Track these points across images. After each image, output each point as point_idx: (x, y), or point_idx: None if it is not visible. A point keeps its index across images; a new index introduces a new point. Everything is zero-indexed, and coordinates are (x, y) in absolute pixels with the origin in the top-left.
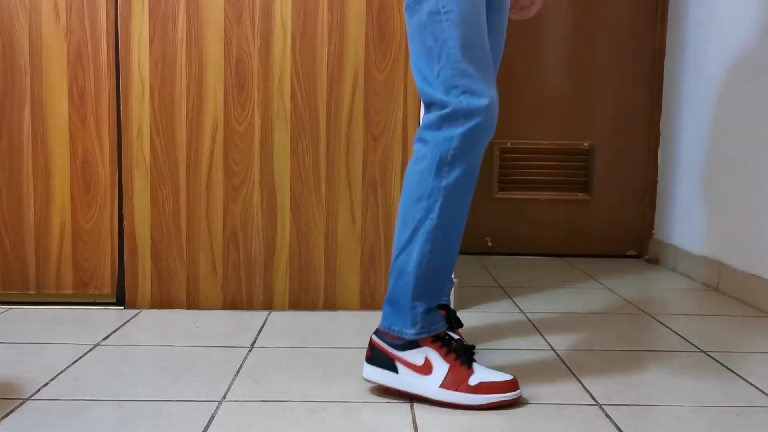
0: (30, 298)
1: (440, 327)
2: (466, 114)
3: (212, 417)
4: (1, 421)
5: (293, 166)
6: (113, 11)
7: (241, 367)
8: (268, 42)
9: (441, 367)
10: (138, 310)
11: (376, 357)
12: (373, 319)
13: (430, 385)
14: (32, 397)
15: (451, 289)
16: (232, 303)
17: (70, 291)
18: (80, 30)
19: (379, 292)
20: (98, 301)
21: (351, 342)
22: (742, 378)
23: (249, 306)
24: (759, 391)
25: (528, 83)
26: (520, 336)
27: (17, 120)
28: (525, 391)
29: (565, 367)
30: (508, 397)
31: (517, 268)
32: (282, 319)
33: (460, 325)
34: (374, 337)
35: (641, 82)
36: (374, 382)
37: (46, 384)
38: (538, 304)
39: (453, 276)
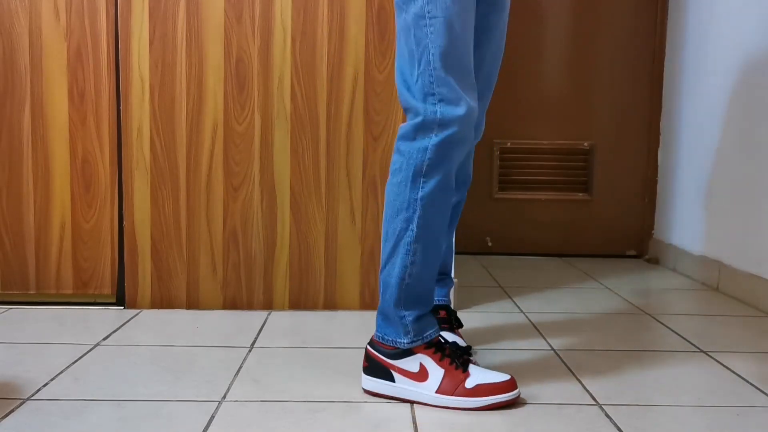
0: (30, 298)
1: (433, 333)
2: (441, 123)
3: (212, 417)
4: (1, 421)
5: (293, 166)
6: (113, 11)
7: (241, 367)
8: (268, 42)
9: (436, 372)
10: (138, 310)
11: (373, 367)
12: (373, 319)
13: (426, 392)
14: (32, 397)
15: (451, 289)
16: (232, 303)
17: (70, 291)
18: (80, 30)
19: (379, 292)
20: (98, 301)
21: (351, 342)
22: (742, 378)
23: (249, 306)
24: (759, 391)
25: (528, 83)
26: (520, 336)
27: (17, 120)
28: (525, 391)
29: (565, 367)
30: (506, 398)
31: (517, 268)
32: (282, 319)
33: (461, 325)
34: (369, 348)
35: (641, 82)
36: (373, 393)
37: (46, 384)
38: (538, 304)
39: (453, 276)
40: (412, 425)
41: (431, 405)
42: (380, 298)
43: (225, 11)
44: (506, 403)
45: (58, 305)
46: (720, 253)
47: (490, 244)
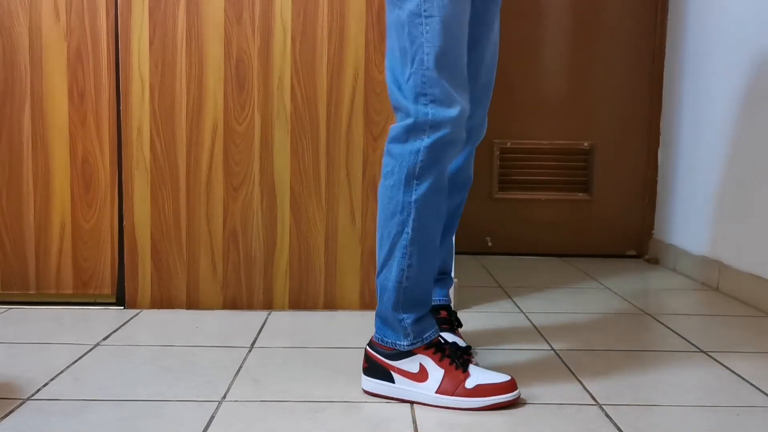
0: (30, 298)
1: (432, 334)
2: (432, 125)
3: (212, 417)
4: (1, 421)
5: (293, 166)
6: (113, 11)
7: (241, 367)
8: (268, 42)
9: (436, 373)
10: (138, 310)
11: (372, 368)
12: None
13: (426, 392)
14: (32, 397)
15: (450, 288)
16: (232, 303)
17: (70, 291)
18: (80, 30)
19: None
20: (98, 301)
21: (351, 342)
22: (742, 378)
23: (249, 306)
24: (759, 391)
25: (528, 83)
26: (520, 336)
27: (17, 120)
28: (525, 391)
29: (565, 367)
30: (506, 399)
31: (517, 268)
32: (282, 319)
33: (460, 324)
34: (368, 349)
35: (641, 82)
36: (373, 394)
37: (46, 384)
38: (538, 304)
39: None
40: (412, 425)
41: (431, 405)
42: (378, 302)
43: (225, 11)
44: (506, 403)
45: (58, 305)
46: (720, 253)
47: (490, 244)
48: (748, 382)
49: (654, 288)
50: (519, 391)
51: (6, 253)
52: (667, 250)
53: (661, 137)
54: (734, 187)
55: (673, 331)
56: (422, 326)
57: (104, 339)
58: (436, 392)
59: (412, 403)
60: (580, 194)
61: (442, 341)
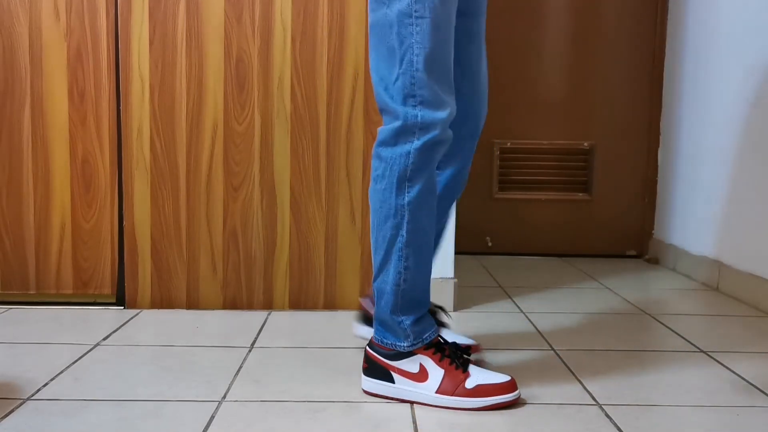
0: (30, 298)
1: (432, 334)
2: (422, 127)
3: (212, 417)
4: (1, 421)
5: (293, 166)
6: (113, 11)
7: (241, 367)
8: (268, 42)
9: (436, 373)
10: (138, 310)
11: (372, 368)
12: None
13: (426, 392)
14: (32, 397)
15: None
16: (232, 303)
17: (70, 291)
18: (80, 30)
19: None
20: (98, 301)
21: (351, 342)
22: (742, 378)
23: (249, 306)
24: (759, 391)
25: (528, 83)
26: (520, 336)
27: (17, 120)
28: (525, 391)
29: (565, 367)
30: (506, 399)
31: (517, 268)
32: (282, 319)
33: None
34: (368, 349)
35: (641, 82)
36: (373, 394)
37: (46, 384)
38: (538, 304)
39: (453, 276)
40: (412, 425)
41: (431, 405)
42: (375, 306)
43: (225, 11)
44: (507, 403)
45: (58, 305)
46: (720, 253)
47: (490, 244)
48: (748, 382)
49: (654, 288)
50: (519, 391)
51: (6, 253)
52: (667, 250)
53: (661, 137)
54: (734, 187)
55: (673, 331)
56: (422, 327)
57: (104, 339)
58: (436, 392)
59: (412, 403)
60: (580, 194)
61: (442, 341)
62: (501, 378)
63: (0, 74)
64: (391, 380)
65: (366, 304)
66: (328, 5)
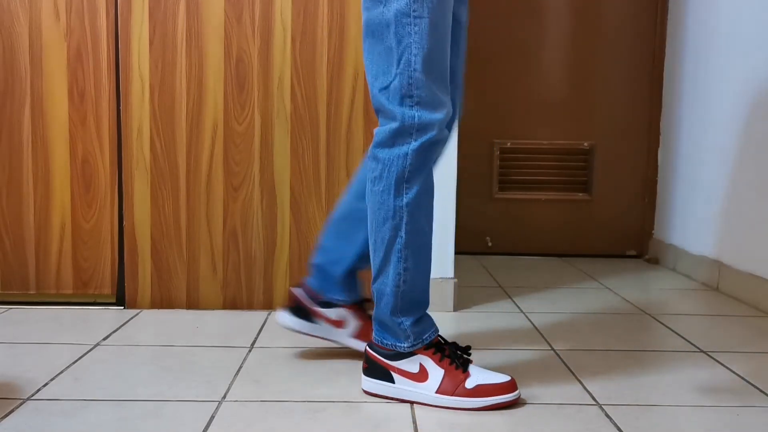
0: (30, 298)
1: (432, 334)
2: (419, 128)
3: (212, 417)
4: (1, 421)
5: (293, 165)
6: (113, 11)
7: (241, 367)
8: (268, 42)
9: (436, 373)
10: (138, 310)
11: (372, 368)
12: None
13: (426, 392)
14: (32, 397)
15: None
16: (232, 303)
17: (70, 291)
18: (80, 30)
19: None
20: (98, 301)
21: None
22: (742, 378)
23: (249, 306)
24: (759, 391)
25: (528, 83)
26: (520, 336)
27: (17, 120)
28: (525, 391)
29: (565, 367)
30: (506, 399)
31: (517, 268)
32: None
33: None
34: (368, 349)
35: (641, 82)
36: (373, 394)
37: (46, 384)
38: (538, 304)
39: (453, 276)
40: (412, 425)
41: (431, 405)
42: (375, 307)
43: (225, 11)
44: (507, 403)
45: (58, 305)
46: (720, 253)
47: (490, 244)
48: (748, 382)
49: (654, 288)
50: (519, 391)
51: (6, 253)
52: (667, 250)
53: (661, 137)
54: (734, 187)
55: (673, 331)
56: (421, 327)
57: (104, 339)
58: (436, 392)
59: (412, 403)
60: (580, 194)
61: (442, 341)
62: (501, 378)
63: (0, 74)
64: (391, 380)
65: (299, 294)
66: (328, 5)
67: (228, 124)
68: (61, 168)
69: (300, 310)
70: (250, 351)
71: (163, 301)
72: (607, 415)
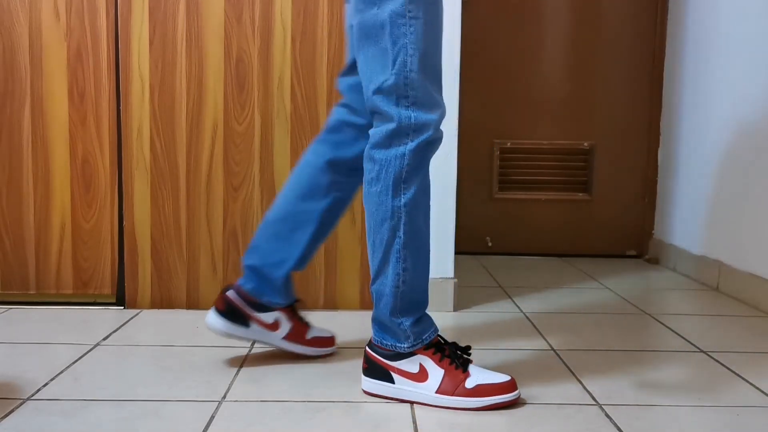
0: (30, 298)
1: (431, 334)
2: (416, 129)
3: (212, 417)
4: (1, 421)
5: (293, 165)
6: (113, 11)
7: (241, 367)
8: (268, 42)
9: (436, 373)
10: (138, 310)
11: (372, 369)
12: None
13: (426, 392)
14: (32, 397)
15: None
16: None
17: (70, 291)
18: (80, 30)
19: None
20: (98, 301)
21: (351, 342)
22: (742, 378)
23: None
24: (759, 391)
25: (528, 83)
26: (520, 336)
27: (17, 120)
28: (525, 391)
29: (565, 367)
30: (506, 399)
31: (517, 268)
32: None
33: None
34: (368, 350)
35: (641, 82)
36: (373, 394)
37: (46, 384)
38: (538, 304)
39: (453, 276)
40: (412, 425)
41: (431, 405)
42: (374, 308)
43: (225, 11)
44: (506, 403)
45: (58, 305)
46: (720, 253)
47: (490, 244)
48: (748, 382)
49: (654, 288)
50: (519, 391)
51: (6, 253)
52: (667, 250)
53: (661, 137)
54: (734, 187)
55: (673, 331)
56: (421, 327)
57: (104, 339)
58: (436, 392)
59: (412, 403)
60: (580, 194)
61: (442, 341)
62: (501, 378)
63: (0, 74)
64: (391, 380)
65: (233, 297)
66: (328, 5)
67: (228, 124)
68: (61, 168)
69: (232, 313)
70: (250, 351)
71: (163, 301)
72: (607, 415)
